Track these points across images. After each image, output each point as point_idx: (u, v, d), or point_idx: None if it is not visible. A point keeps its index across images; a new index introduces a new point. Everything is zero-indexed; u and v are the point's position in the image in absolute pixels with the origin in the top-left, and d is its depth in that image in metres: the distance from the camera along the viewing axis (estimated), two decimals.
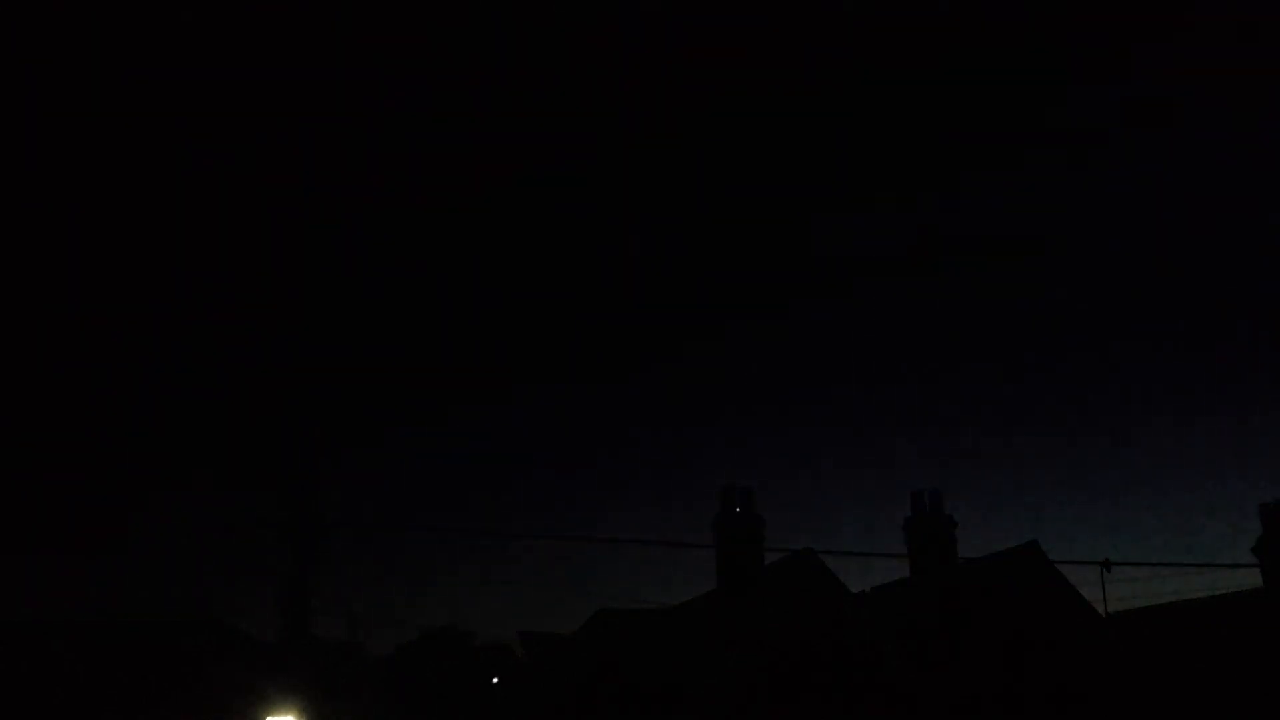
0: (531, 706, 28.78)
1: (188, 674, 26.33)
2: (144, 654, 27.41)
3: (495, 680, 34.77)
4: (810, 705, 20.79)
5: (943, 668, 21.27)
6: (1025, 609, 21.86)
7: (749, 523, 23.98)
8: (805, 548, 23.49)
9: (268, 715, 19.00)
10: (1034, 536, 22.92)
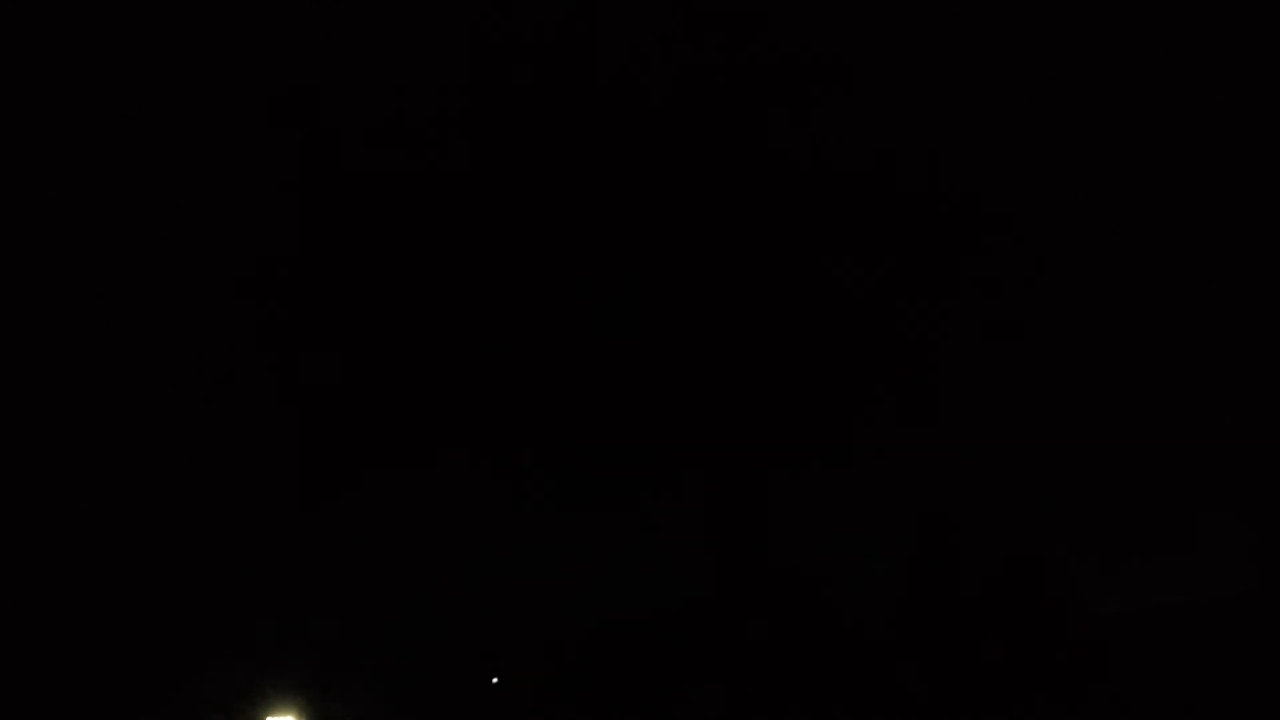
0: (530, 707, 28.79)
1: (187, 674, 26.31)
2: (143, 653, 27.38)
3: (494, 681, 34.73)
4: (809, 706, 20.80)
5: (942, 668, 21.27)
6: (1025, 609, 21.87)
7: (749, 523, 23.96)
8: (805, 547, 23.46)
9: (268, 715, 18.95)
10: (1033, 537, 22.92)
